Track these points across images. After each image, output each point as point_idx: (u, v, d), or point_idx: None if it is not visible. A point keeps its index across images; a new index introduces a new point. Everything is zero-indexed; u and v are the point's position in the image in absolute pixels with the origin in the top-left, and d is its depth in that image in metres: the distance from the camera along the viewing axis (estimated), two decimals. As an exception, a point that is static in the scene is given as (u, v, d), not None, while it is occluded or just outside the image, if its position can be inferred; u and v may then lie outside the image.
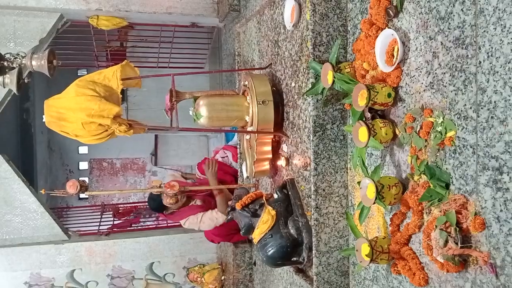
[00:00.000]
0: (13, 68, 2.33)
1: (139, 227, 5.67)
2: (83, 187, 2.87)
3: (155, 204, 3.45)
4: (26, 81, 2.39)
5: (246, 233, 2.46)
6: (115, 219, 6.01)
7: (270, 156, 2.68)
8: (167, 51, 5.72)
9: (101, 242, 4.40)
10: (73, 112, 2.45)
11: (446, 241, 1.45)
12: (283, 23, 2.48)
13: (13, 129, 6.91)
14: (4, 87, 2.40)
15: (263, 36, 2.87)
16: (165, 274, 4.48)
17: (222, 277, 4.08)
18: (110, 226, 5.36)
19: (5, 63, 2.32)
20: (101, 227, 5.02)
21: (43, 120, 2.54)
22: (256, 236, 2.40)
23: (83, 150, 9.30)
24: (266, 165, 2.72)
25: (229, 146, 4.20)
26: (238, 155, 3.44)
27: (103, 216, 5.66)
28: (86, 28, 4.84)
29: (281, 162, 2.58)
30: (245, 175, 3.09)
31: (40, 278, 4.23)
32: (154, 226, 5.57)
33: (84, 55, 6.00)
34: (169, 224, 4.90)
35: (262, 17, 2.86)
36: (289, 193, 2.41)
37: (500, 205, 1.32)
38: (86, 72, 8.08)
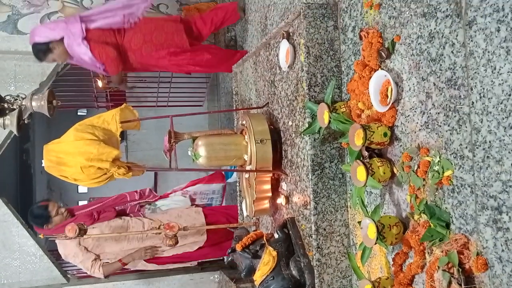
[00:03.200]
0: (14, 109, 2.36)
1: (138, 269, 5.56)
2: (82, 231, 2.85)
3: (39, 220, 3.52)
4: (26, 121, 2.41)
5: (247, 275, 2.41)
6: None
7: (270, 194, 2.67)
8: (165, 90, 5.80)
9: (100, 285, 4.32)
10: (72, 157, 2.48)
11: (450, 282, 1.43)
12: (278, 64, 2.53)
13: (13, 171, 6.92)
14: (5, 129, 2.41)
15: (259, 76, 2.92)
16: (166, 316, 4.38)
17: (224, 319, 3.99)
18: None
19: (5, 105, 2.35)
20: (100, 269, 4.92)
21: (42, 164, 2.56)
22: (257, 278, 2.36)
23: (82, 189, 9.28)
24: (266, 204, 2.70)
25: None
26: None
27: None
28: (85, 70, 4.92)
29: (281, 201, 2.57)
30: (245, 213, 3.07)
31: (38, 324, 4.14)
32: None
33: (84, 96, 6.07)
34: (169, 268, 4.80)
35: (258, 58, 2.92)
36: (290, 232, 2.38)
37: (502, 245, 1.31)
38: (86, 112, 8.15)
